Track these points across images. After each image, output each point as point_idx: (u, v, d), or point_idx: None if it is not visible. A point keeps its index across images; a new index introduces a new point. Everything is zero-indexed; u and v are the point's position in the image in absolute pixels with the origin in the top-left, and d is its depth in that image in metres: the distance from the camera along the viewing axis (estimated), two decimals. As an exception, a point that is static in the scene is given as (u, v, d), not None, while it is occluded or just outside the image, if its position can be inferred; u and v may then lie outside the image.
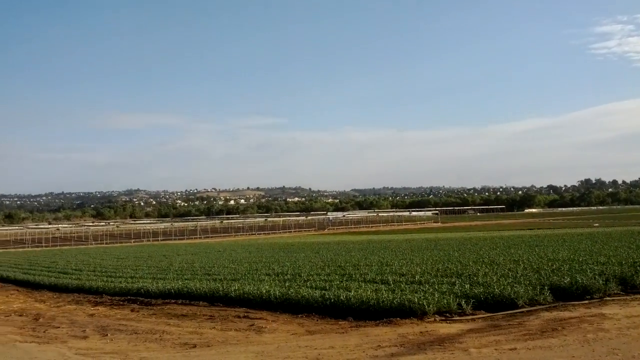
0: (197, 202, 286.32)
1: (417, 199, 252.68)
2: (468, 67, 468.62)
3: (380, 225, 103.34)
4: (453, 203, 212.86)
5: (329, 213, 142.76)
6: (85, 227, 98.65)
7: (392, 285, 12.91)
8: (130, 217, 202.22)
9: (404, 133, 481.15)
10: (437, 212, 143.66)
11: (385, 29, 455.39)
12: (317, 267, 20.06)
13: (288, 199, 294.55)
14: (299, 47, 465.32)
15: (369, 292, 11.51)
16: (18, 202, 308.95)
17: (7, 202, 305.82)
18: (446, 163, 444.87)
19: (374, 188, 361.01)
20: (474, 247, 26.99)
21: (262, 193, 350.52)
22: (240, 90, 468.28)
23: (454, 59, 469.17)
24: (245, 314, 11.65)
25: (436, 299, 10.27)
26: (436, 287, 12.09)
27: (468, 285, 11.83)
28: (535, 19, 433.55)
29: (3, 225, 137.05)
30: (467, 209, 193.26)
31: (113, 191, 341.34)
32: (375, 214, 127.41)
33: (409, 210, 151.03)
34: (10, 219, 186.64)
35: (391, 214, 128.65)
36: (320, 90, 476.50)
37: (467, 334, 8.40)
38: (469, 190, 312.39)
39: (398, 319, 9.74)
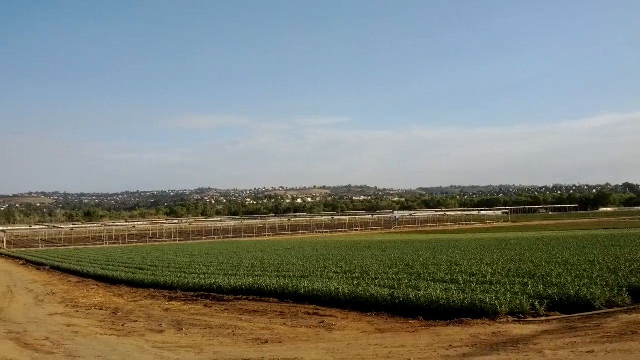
0: (265, 201, 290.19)
1: (486, 198, 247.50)
2: (537, 64, 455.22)
3: (448, 225, 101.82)
4: (523, 202, 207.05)
5: (395, 212, 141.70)
6: (160, 224, 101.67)
7: (462, 285, 12.75)
8: (202, 215, 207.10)
9: (472, 130, 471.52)
10: (507, 211, 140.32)
11: (450, 26, 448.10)
12: (384, 265, 20.01)
13: (354, 198, 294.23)
14: (363, 46, 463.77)
15: (438, 292, 11.42)
16: (96, 201, 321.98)
17: (86, 201, 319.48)
18: (516, 161, 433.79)
19: (441, 187, 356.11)
20: (546, 247, 26.24)
21: (328, 191, 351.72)
22: (306, 90, 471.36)
23: (524, 55, 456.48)
24: (315, 311, 11.79)
25: (508, 300, 10.09)
26: (508, 287, 11.86)
27: (541, 286, 11.55)
28: (608, 13, 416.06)
29: (83, 223, 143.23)
30: (539, 208, 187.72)
31: (185, 190, 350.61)
32: (442, 213, 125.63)
33: (477, 210, 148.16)
34: (89, 216, 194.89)
35: (459, 213, 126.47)
36: (384, 89, 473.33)
37: (542, 335, 8.22)
38: (540, 188, 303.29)
39: (469, 319, 9.63)
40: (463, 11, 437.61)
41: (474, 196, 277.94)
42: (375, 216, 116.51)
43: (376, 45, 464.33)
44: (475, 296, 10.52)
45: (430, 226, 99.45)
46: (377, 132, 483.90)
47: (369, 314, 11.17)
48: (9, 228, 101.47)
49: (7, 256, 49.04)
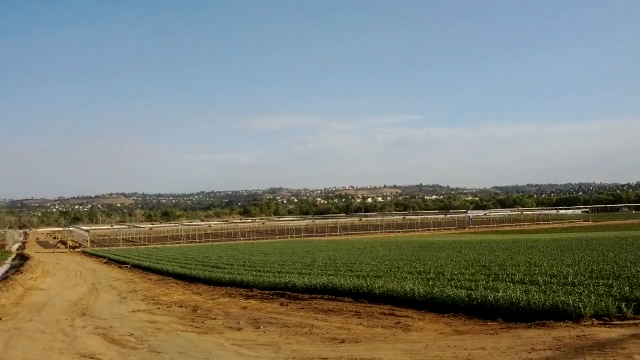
0: (335, 200, 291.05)
1: (565, 196, 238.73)
2: (620, 56, 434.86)
3: (524, 224, 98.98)
4: (605, 200, 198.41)
5: (469, 211, 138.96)
6: (234, 223, 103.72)
7: (542, 287, 12.40)
8: (274, 214, 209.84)
9: (548, 126, 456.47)
10: (587, 210, 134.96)
11: (524, 18, 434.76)
12: (460, 266, 19.71)
13: (426, 197, 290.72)
14: (432, 41, 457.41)
15: (518, 293, 11.14)
16: (173, 201, 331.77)
17: (164, 201, 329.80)
18: (596, 158, 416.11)
19: (516, 185, 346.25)
20: (631, 247, 25.14)
21: (399, 191, 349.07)
22: (375, 89, 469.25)
23: (606, 48, 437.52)
24: (391, 311, 11.73)
25: (592, 301, 9.72)
26: (591, 289, 11.45)
27: (627, 288, 11.08)
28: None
29: (161, 222, 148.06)
30: (621, 206, 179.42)
31: (258, 189, 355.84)
32: (519, 212, 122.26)
33: (556, 208, 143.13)
34: (166, 216, 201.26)
35: (536, 212, 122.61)
36: (455, 86, 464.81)
37: (630, 339, 7.87)
38: (622, 186, 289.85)
39: (551, 321, 9.34)
40: (538, 2, 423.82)
41: (552, 194, 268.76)
42: (448, 216, 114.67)
43: (446, 40, 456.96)
44: (557, 298, 10.21)
45: (506, 226, 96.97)
46: (449, 129, 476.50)
47: (445, 315, 11.03)
48: (92, 228, 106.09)
49: (91, 255, 51.23)
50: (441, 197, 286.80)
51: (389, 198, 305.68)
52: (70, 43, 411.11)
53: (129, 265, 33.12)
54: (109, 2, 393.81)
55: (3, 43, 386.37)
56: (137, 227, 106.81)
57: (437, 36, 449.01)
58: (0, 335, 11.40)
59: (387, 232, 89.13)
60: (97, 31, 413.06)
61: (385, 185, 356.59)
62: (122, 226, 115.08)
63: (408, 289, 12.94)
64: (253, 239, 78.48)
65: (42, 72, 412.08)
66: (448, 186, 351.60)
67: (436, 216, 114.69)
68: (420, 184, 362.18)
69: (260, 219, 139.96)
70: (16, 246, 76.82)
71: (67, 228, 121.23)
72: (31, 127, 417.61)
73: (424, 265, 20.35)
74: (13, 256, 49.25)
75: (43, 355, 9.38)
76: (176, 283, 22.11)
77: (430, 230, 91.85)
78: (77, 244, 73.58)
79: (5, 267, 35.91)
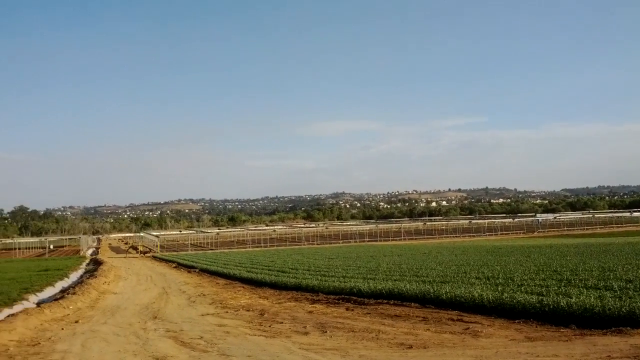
0: (399, 204, 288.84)
1: (639, 198, 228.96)
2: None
3: (596, 228, 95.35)
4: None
5: (537, 215, 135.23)
6: (298, 228, 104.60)
7: (618, 292, 11.95)
8: (337, 218, 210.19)
9: (621, 126, 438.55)
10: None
11: (591, 19, 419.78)
12: (530, 271, 19.22)
13: (492, 200, 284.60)
14: (495, 43, 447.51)
15: (592, 299, 10.77)
16: (239, 206, 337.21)
17: (230, 207, 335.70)
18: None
19: (587, 187, 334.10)
20: None
21: (464, 194, 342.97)
22: (437, 92, 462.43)
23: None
24: (459, 317, 11.56)
25: (674, 309, 9.29)
26: (672, 295, 10.94)
27: None
28: None
29: (227, 227, 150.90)
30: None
31: (321, 194, 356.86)
32: (590, 216, 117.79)
33: (629, 211, 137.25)
34: (233, 221, 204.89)
35: (609, 215, 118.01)
36: (521, 86, 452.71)
37: None
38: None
39: (628, 328, 8.99)
40: (606, 1, 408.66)
41: (625, 197, 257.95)
42: (516, 219, 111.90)
43: (512, 41, 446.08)
44: (634, 304, 9.82)
45: (576, 230, 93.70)
46: (515, 131, 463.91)
47: (516, 321, 10.77)
48: (162, 233, 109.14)
49: (161, 259, 52.66)
50: (508, 200, 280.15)
51: (453, 202, 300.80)
52: (141, 51, 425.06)
53: (197, 270, 33.81)
54: (180, 6, 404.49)
55: (85, 53, 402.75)
56: (204, 232, 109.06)
57: (501, 37, 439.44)
58: (77, 337, 11.85)
59: (453, 236, 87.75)
60: (164, 38, 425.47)
61: (449, 189, 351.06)
62: (190, 231, 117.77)
63: (476, 295, 12.71)
64: (317, 244, 78.77)
65: (115, 83, 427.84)
66: (515, 189, 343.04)
67: (503, 220, 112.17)
68: (486, 187, 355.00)
69: (324, 224, 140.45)
70: (90, 251, 79.83)
71: (138, 234, 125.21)
72: (104, 137, 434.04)
73: (492, 271, 19.93)
74: (87, 261, 51.12)
75: (117, 357, 9.69)
76: (243, 287, 22.43)
77: (497, 234, 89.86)
78: (148, 249, 75.81)
79: (80, 271, 37.33)
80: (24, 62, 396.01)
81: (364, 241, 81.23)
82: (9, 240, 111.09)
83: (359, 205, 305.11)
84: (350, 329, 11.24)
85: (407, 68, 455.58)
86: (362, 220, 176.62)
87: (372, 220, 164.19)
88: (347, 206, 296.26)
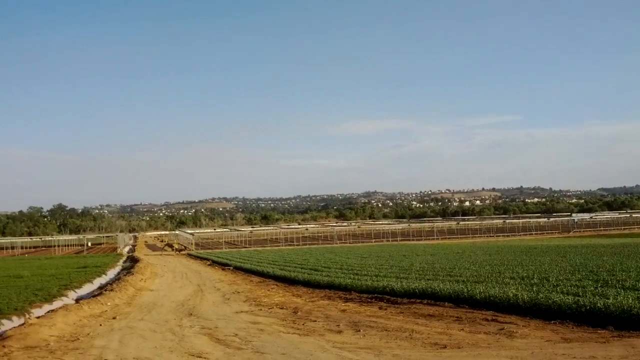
0: (432, 204, 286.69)
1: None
2: None
3: (634, 228, 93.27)
4: None
5: (573, 214, 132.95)
6: (330, 227, 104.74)
7: (657, 293, 11.71)
8: (370, 217, 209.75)
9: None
10: None
11: (628, 14, 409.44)
12: (565, 271, 18.95)
13: (526, 200, 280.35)
14: (529, 39, 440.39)
15: (630, 300, 10.59)
16: (272, 205, 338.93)
17: (263, 205, 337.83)
18: None
19: (624, 186, 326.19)
20: None
21: (498, 194, 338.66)
22: (470, 90, 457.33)
23: None
24: (493, 317, 11.47)
25: None
26: None
27: None
28: None
29: (260, 226, 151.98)
30: None
31: (353, 193, 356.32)
32: (628, 215, 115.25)
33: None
34: (266, 220, 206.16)
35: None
36: (555, 83, 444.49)
37: None
38: None
39: (668, 330, 8.82)
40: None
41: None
42: (551, 219, 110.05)
43: (545, 37, 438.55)
44: (674, 306, 9.62)
45: (614, 230, 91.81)
46: (550, 129, 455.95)
47: (552, 322, 10.65)
48: (196, 231, 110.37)
49: (196, 257, 53.28)
50: (543, 199, 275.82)
51: (487, 201, 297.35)
52: (180, 51, 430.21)
53: (231, 268, 34.16)
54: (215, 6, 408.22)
55: (120, 52, 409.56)
56: (238, 230, 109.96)
57: (536, 33, 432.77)
58: (115, 333, 12.10)
59: (487, 236, 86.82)
60: (204, 37, 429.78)
61: (483, 188, 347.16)
62: (224, 229, 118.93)
63: (511, 295, 12.60)
64: (349, 243, 78.72)
65: (151, 83, 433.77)
66: (550, 188, 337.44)
67: (538, 220, 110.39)
68: (521, 187, 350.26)
69: (356, 223, 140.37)
70: (127, 249, 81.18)
71: (173, 232, 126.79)
72: (140, 137, 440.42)
73: (526, 271, 19.71)
74: (124, 258, 52.02)
75: (154, 353, 9.87)
76: (276, 285, 22.58)
77: (532, 234, 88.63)
78: (183, 247, 76.79)
79: (117, 268, 38.02)
80: (61, 64, 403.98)
81: (397, 240, 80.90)
82: (48, 238, 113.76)
83: (391, 204, 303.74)
84: (384, 328, 11.25)
85: (439, 66, 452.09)
86: (394, 220, 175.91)
87: (405, 220, 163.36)
88: (379, 205, 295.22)
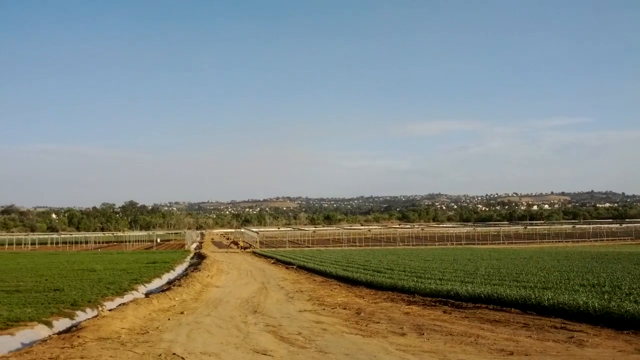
0: (498, 207, 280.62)
1: None
2: None
3: None
4: None
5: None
6: (393, 229, 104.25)
7: None
8: (433, 220, 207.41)
9: None
10: None
11: None
12: (639, 279, 18.22)
13: (597, 205, 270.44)
14: (603, 37, 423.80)
15: None
16: (334, 205, 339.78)
17: (326, 205, 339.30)
18: None
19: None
20: None
21: (568, 198, 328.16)
22: (539, 91, 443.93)
23: None
24: (562, 325, 11.17)
25: None
26: None
27: None
28: None
29: (323, 226, 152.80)
30: None
31: (416, 195, 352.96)
32: None
33: None
34: (328, 220, 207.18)
35: None
36: (631, 83, 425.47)
37: None
38: None
39: None
40: None
41: None
42: (624, 225, 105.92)
43: (620, 35, 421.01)
44: None
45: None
46: (624, 132, 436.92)
47: (624, 331, 10.28)
48: (261, 229, 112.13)
49: (260, 255, 54.09)
50: (615, 205, 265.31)
51: (556, 206, 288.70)
52: (245, 50, 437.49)
53: (294, 266, 34.49)
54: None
55: (187, 51, 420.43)
56: (301, 229, 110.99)
57: (609, 31, 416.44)
58: (183, 328, 12.45)
59: (555, 241, 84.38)
60: (261, 36, 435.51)
61: (552, 192, 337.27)
62: (288, 229, 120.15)
63: (581, 302, 12.23)
64: (412, 245, 78.13)
65: (217, 83, 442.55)
66: (623, 193, 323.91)
67: (610, 225, 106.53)
68: (592, 191, 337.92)
69: (419, 225, 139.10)
70: (194, 246, 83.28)
71: (239, 229, 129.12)
72: (208, 137, 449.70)
73: (597, 278, 19.06)
74: (191, 255, 53.38)
75: (220, 349, 10.10)
76: (339, 285, 22.66)
77: (603, 240, 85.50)
78: (248, 245, 78.12)
79: (185, 264, 39.07)
80: (124, 68, 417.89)
81: (461, 244, 79.71)
82: (120, 234, 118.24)
83: (455, 207, 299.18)
84: (448, 332, 11.13)
85: (506, 67, 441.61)
86: (458, 223, 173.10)
87: (470, 223, 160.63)
88: (443, 208, 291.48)
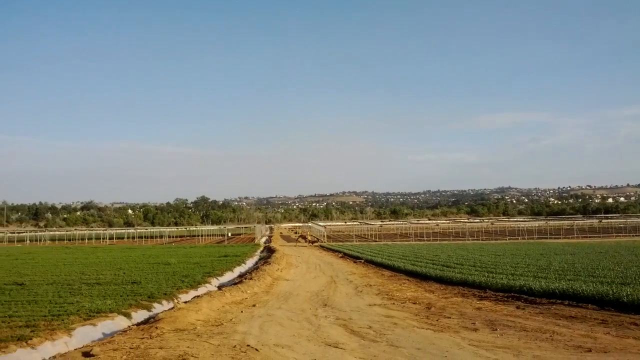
0: (571, 200, 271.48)
1: None
2: None
3: None
4: None
5: None
6: (461, 223, 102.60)
7: None
8: (503, 214, 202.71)
9: None
10: None
11: None
12: None
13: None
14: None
15: None
16: (401, 200, 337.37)
17: (392, 200, 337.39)
18: None
19: None
20: None
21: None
22: (613, 79, 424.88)
23: None
24: (643, 322, 10.80)
25: None
26: None
27: None
28: None
29: (390, 220, 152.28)
30: None
31: (485, 189, 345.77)
32: None
33: None
34: (395, 214, 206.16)
35: None
36: None
37: None
38: None
39: None
40: None
41: None
42: None
43: None
44: None
45: None
46: None
47: None
48: (328, 224, 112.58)
49: (328, 249, 54.40)
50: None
51: (632, 198, 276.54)
52: (321, 46, 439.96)
53: (362, 261, 34.52)
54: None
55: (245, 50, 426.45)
56: (368, 224, 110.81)
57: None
58: (255, 320, 12.74)
59: (632, 235, 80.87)
60: (342, 32, 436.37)
61: (628, 184, 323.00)
62: (355, 223, 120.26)
63: (663, 299, 11.77)
64: (481, 240, 76.66)
65: (284, 81, 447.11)
66: None
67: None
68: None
69: (489, 219, 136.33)
70: (263, 239, 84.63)
71: (306, 224, 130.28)
72: (273, 135, 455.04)
73: (679, 274, 18.24)
74: (261, 249, 54.25)
75: (293, 341, 10.29)
76: (408, 280, 22.56)
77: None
78: (315, 239, 78.62)
79: (255, 258, 39.80)
80: (198, 69, 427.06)
81: (532, 238, 77.55)
82: (192, 228, 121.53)
83: (526, 200, 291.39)
84: (522, 328, 10.94)
85: (579, 54, 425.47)
86: (529, 217, 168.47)
87: (541, 217, 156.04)
88: (514, 201, 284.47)
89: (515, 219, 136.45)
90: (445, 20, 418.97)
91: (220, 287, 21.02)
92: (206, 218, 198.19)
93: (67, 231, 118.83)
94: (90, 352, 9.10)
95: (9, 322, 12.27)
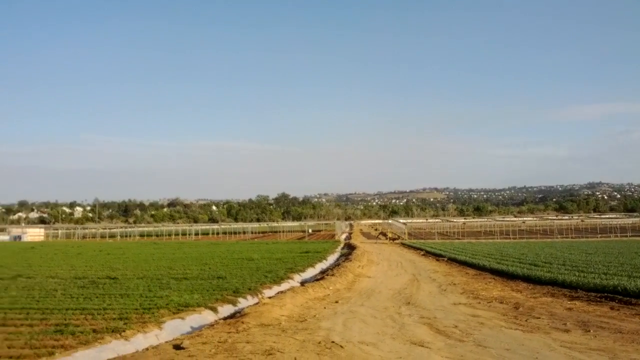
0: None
1: None
2: None
3: None
4: None
5: None
6: (549, 220, 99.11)
7: None
8: (594, 211, 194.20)
9: None
10: None
11: None
12: None
13: None
14: None
15: None
16: (484, 196, 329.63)
17: (475, 196, 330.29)
18: None
19: None
20: None
21: None
22: None
23: None
24: None
25: None
26: None
27: None
28: None
29: (473, 217, 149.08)
30: None
31: (574, 184, 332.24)
32: None
33: None
34: (478, 211, 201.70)
35: None
36: None
37: None
38: None
39: None
40: None
41: None
42: None
43: None
44: None
45: None
46: None
47: None
48: (409, 221, 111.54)
49: (409, 246, 53.87)
50: None
51: None
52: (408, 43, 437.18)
53: (445, 259, 33.99)
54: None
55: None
56: (450, 221, 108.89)
57: None
58: (339, 316, 12.79)
59: None
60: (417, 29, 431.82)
61: None
62: (436, 220, 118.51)
63: None
64: (571, 237, 73.71)
65: (357, 79, 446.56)
66: None
67: None
68: None
69: (578, 216, 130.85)
70: (343, 236, 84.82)
71: (386, 220, 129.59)
72: (354, 131, 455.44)
73: None
74: (342, 245, 54.45)
75: (377, 338, 10.26)
76: (494, 279, 22.01)
77: None
78: (396, 236, 78.06)
79: (336, 254, 39.98)
80: (273, 69, 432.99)
81: (626, 236, 73.85)
82: (274, 224, 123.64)
83: (618, 196, 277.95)
84: (617, 330, 10.45)
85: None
86: (623, 213, 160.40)
87: (635, 214, 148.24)
88: (605, 197, 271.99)
89: (607, 216, 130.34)
90: (528, 6, 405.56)
91: (302, 283, 21.27)
92: (287, 214, 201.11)
93: (154, 227, 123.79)
94: (181, 345, 9.42)
95: (103, 315, 12.91)
